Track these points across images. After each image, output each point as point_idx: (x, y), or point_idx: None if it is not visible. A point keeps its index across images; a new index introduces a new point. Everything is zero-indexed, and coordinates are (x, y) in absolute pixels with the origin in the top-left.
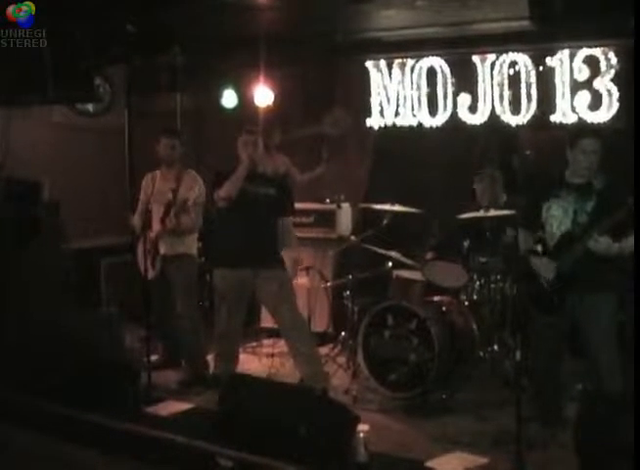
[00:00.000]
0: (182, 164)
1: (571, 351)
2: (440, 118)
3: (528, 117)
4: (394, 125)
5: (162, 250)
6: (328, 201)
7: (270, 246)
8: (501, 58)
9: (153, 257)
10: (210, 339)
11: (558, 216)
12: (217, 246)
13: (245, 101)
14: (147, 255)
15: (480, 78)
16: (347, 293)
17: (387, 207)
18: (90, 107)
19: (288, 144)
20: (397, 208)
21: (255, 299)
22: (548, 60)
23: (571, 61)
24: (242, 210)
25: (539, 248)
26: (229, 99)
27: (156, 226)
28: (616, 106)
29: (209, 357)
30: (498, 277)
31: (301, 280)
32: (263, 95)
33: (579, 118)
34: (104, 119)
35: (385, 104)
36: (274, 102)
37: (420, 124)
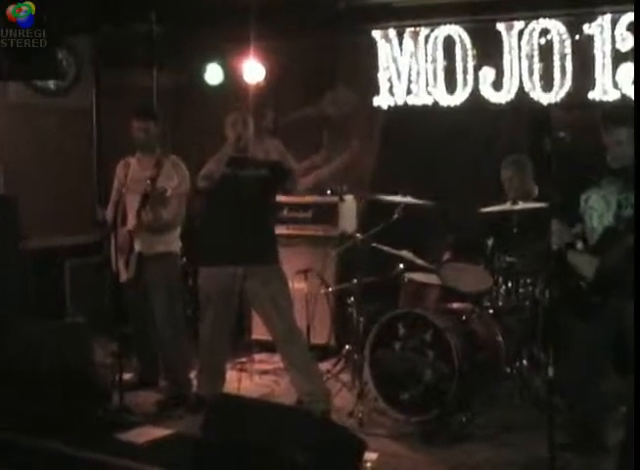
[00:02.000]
0: (162, 149)
1: (615, 366)
2: (459, 97)
3: (562, 94)
4: (406, 105)
5: (138, 248)
6: (329, 192)
7: (264, 238)
8: (530, 25)
9: (127, 256)
10: (194, 353)
11: (599, 209)
12: (202, 240)
13: (232, 77)
14: (120, 254)
15: (505, 50)
16: (352, 299)
17: (397, 199)
18: (51, 84)
19: (282, 127)
20: (410, 200)
21: (246, 305)
22: (586, 27)
23: (613, 28)
24: (229, 197)
25: (579, 244)
26: (214, 75)
27: (131, 220)
28: None
29: (193, 375)
30: (527, 281)
31: (299, 285)
32: (253, 71)
33: (622, 95)
34: (68, 99)
35: (395, 80)
36: (266, 79)
37: (435, 103)
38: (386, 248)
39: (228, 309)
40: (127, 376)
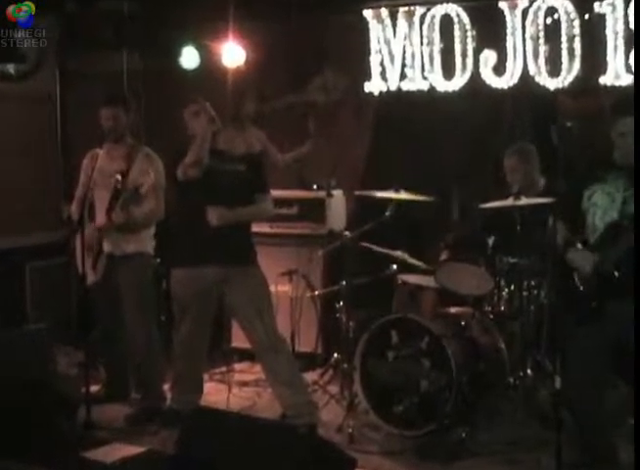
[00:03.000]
0: (134, 139)
1: (619, 373)
2: (458, 82)
3: (570, 78)
4: (400, 91)
5: (108, 248)
6: (315, 187)
7: (242, 236)
8: (535, 4)
9: (95, 256)
10: (168, 363)
11: (602, 205)
12: (174, 240)
13: (209, 61)
14: (87, 254)
15: (508, 30)
16: (340, 304)
17: (390, 194)
18: (11, 68)
19: (265, 116)
20: (404, 195)
21: (224, 310)
22: (596, 5)
23: (626, 6)
24: (205, 192)
25: (578, 242)
26: (189, 58)
27: (99, 218)
28: None
29: (167, 387)
30: (532, 283)
31: (282, 287)
32: (233, 54)
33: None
34: (29, 84)
35: (387, 64)
36: (246, 62)
37: (432, 89)
38: (377, 247)
39: (205, 316)
40: (95, 388)
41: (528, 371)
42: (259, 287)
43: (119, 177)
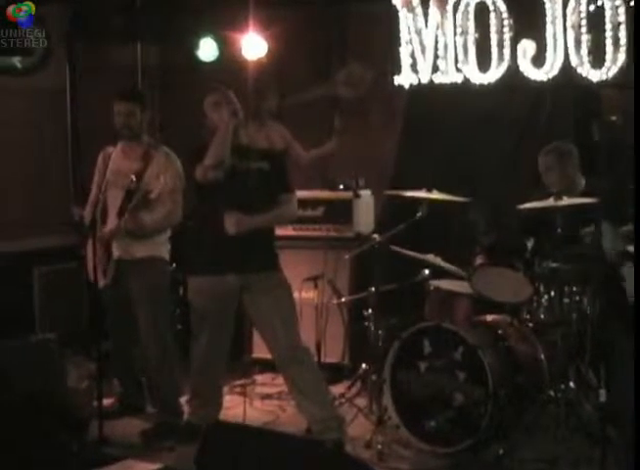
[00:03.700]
0: (151, 138)
1: None
2: (494, 74)
3: (615, 69)
4: (432, 84)
5: (116, 252)
6: (342, 187)
7: (265, 241)
8: None
9: (105, 261)
10: (186, 374)
11: None
12: (191, 246)
13: (228, 53)
14: (98, 258)
15: (548, 19)
16: (369, 311)
17: (422, 194)
18: (17, 61)
19: (288, 111)
20: (436, 195)
21: (245, 320)
22: None
23: None
24: (225, 194)
25: (630, 248)
26: (207, 50)
27: (112, 220)
28: None
29: (184, 400)
30: (574, 289)
31: (307, 294)
32: (253, 45)
33: None
34: (37, 78)
35: (418, 55)
36: (268, 54)
37: (466, 82)
38: (408, 251)
39: (225, 325)
40: (107, 402)
41: (571, 384)
42: (283, 294)
43: (134, 178)
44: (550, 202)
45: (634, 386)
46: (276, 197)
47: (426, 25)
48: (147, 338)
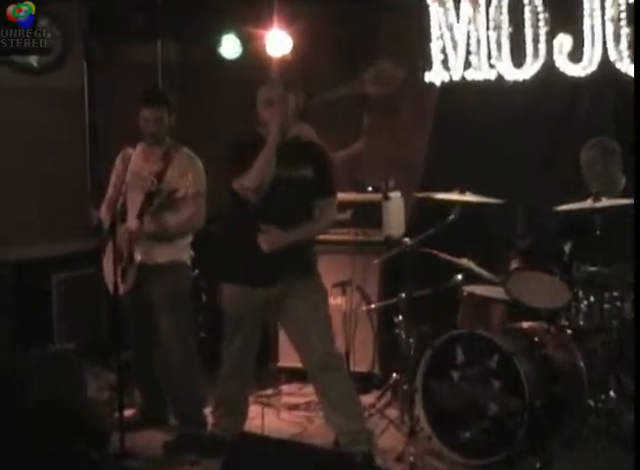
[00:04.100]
0: (172, 139)
1: None
2: (529, 70)
3: None
4: (464, 80)
5: (138, 256)
6: (371, 189)
7: (303, 247)
8: None
9: (125, 266)
10: (210, 385)
11: None
12: (223, 252)
13: (251, 50)
14: (118, 263)
15: (585, 12)
16: (400, 318)
17: (454, 196)
18: (33, 60)
19: (314, 110)
20: (469, 197)
21: (271, 327)
22: None
23: None
24: (262, 204)
25: None
26: (230, 48)
27: (131, 223)
28: None
29: (208, 411)
30: (614, 294)
31: (335, 300)
32: (278, 42)
33: None
34: (54, 78)
35: (450, 51)
36: (293, 51)
37: (500, 78)
38: (441, 255)
39: (257, 331)
40: (128, 413)
41: (611, 393)
42: (320, 299)
43: (155, 180)
44: (589, 203)
45: (634, 386)
46: (316, 202)
47: (457, 20)
48: (169, 346)
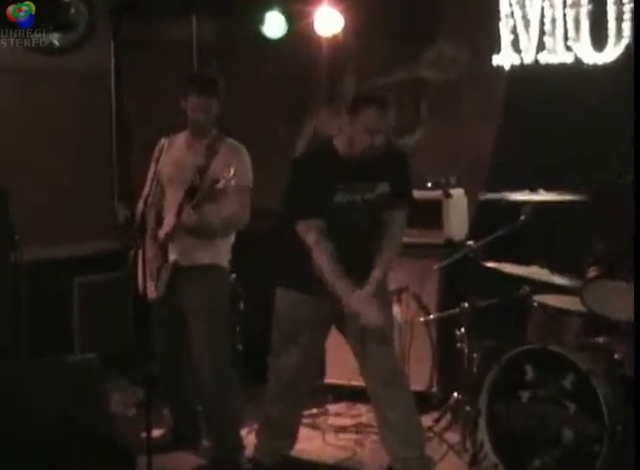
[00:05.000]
0: (217, 129)
1: None
2: (611, 52)
3: None
4: (537, 64)
5: (173, 256)
6: (430, 186)
7: (369, 255)
8: None
9: (159, 266)
10: (247, 403)
11: None
12: (287, 254)
13: (298, 29)
14: (149, 263)
15: None
16: (462, 330)
17: (525, 195)
18: (54, 38)
19: None
20: (542, 196)
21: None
22: None
23: None
24: (335, 226)
25: None
26: (274, 26)
27: (168, 220)
28: None
29: (244, 432)
30: None
31: None
32: (328, 20)
33: None
34: (76, 57)
35: (521, 31)
36: (344, 31)
37: (578, 62)
38: (506, 270)
39: (318, 346)
40: (157, 433)
41: None
42: (385, 307)
43: (198, 173)
44: None
45: (634, 387)
46: (388, 213)
47: None
48: (202, 358)
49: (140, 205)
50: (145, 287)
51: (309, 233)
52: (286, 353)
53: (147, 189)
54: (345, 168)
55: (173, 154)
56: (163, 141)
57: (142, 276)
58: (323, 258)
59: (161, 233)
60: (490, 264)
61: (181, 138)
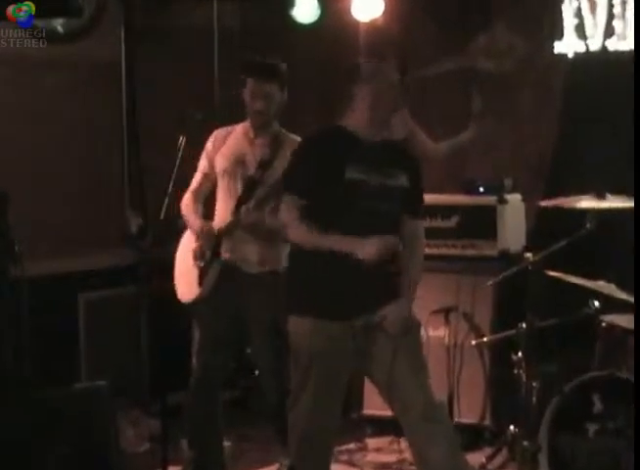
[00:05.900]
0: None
1: None
2: None
3: None
4: (605, 52)
5: (227, 253)
6: (482, 190)
7: (398, 273)
8: None
9: (205, 265)
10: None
11: None
12: (299, 275)
13: (333, 13)
14: (195, 263)
15: None
16: (519, 355)
17: (590, 200)
18: (60, 25)
19: (411, 89)
20: (610, 202)
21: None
22: None
23: None
24: (352, 219)
25: None
26: (306, 9)
27: (222, 216)
28: None
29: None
30: None
31: (436, 332)
32: (366, 3)
33: None
34: (84, 46)
35: (587, 15)
36: (385, 15)
37: None
38: (571, 276)
39: (342, 376)
40: None
41: None
42: (413, 332)
43: (260, 167)
44: None
45: (634, 387)
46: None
47: None
48: (269, 379)
49: (187, 196)
50: (177, 289)
51: (291, 211)
52: (305, 387)
53: (196, 182)
54: (360, 148)
55: (231, 145)
56: (219, 131)
57: (184, 274)
58: (302, 229)
59: (214, 228)
60: (554, 274)
61: (239, 130)
